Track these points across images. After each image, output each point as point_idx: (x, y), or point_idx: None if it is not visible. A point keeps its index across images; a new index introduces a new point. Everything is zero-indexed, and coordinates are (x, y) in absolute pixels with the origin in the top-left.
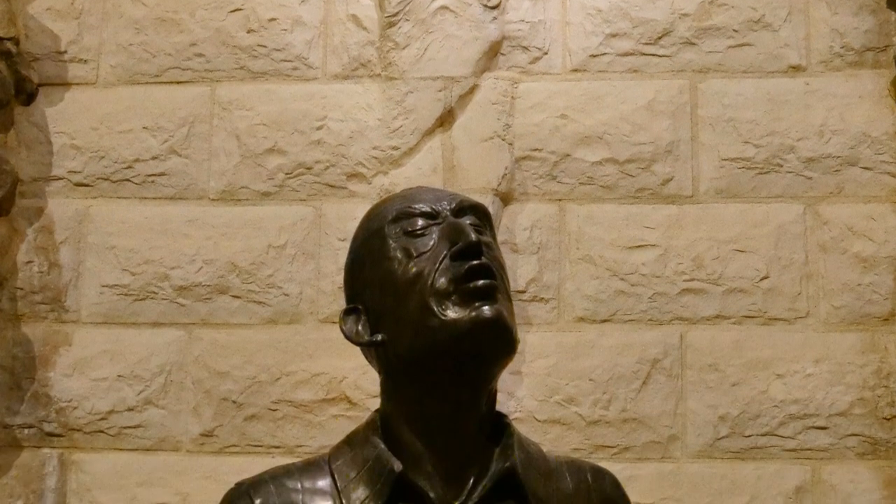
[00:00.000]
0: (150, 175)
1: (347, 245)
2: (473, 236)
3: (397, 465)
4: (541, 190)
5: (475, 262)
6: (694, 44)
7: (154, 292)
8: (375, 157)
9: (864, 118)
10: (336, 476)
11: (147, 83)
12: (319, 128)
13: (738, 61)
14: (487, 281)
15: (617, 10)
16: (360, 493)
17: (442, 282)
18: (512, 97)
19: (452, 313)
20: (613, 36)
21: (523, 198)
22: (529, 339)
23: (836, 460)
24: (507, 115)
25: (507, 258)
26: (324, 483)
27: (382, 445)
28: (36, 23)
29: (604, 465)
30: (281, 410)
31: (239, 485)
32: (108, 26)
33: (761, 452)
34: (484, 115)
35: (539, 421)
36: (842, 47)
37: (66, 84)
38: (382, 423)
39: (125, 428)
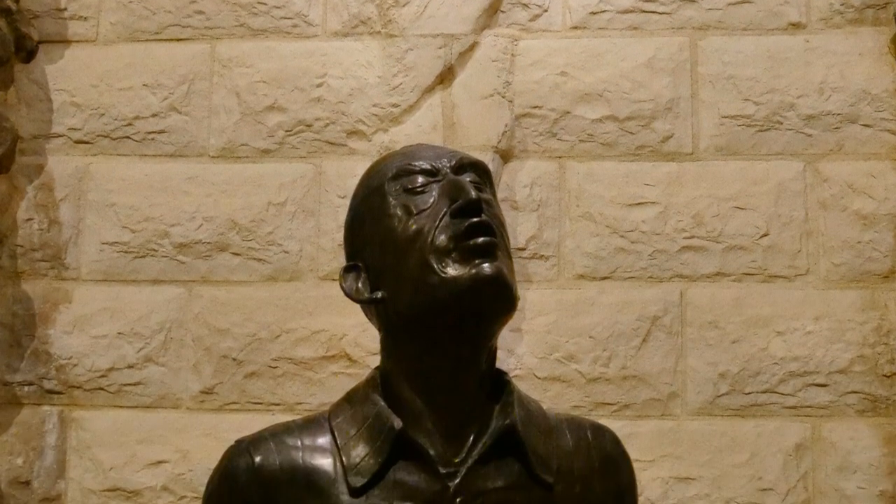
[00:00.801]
0: (150, 132)
1: (347, 202)
2: (473, 193)
3: (397, 423)
4: (541, 147)
5: (475, 219)
6: (694, 1)
7: (154, 249)
8: (375, 115)
9: (864, 75)
10: (336, 433)
11: (147, 40)
12: (319, 85)
13: (738, 18)
14: (487, 238)
15: None
16: (360, 450)
17: (442, 239)
18: (512, 54)
19: (452, 270)
20: None
21: (523, 155)
22: (529, 297)
23: (836, 417)
24: (507, 73)
25: (507, 215)
26: (324, 440)
27: (382, 403)
28: None
29: (604, 422)
30: (281, 368)
31: (239, 442)
32: None
33: (761, 410)
34: (484, 73)
35: (539, 378)
36: (842, 4)
37: (66, 41)
38: (382, 381)
39: (125, 385)
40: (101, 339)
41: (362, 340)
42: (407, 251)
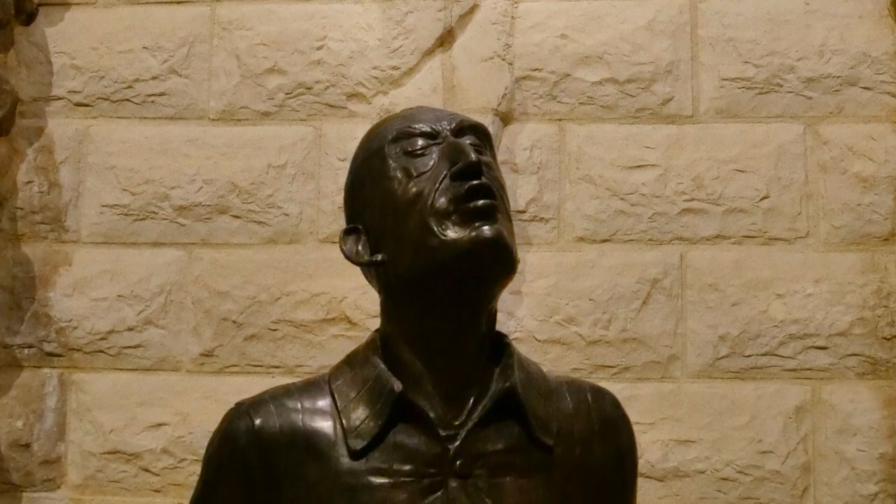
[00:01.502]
0: (150, 95)
1: (347, 165)
2: (473, 156)
3: (397, 385)
4: (541, 110)
5: (475, 181)
6: None
7: (154, 212)
8: (375, 77)
9: (864, 38)
10: (336, 396)
11: (147, 3)
12: (319, 48)
13: None
14: (487, 201)
15: None
16: (359, 412)
17: (442, 201)
18: (512, 17)
19: (452, 233)
20: None
21: (523, 118)
22: (529, 259)
23: (836, 380)
24: (507, 35)
25: (507, 178)
26: (324, 403)
27: (382, 365)
28: None
29: (604, 384)
30: (281, 330)
31: (239, 405)
32: None
33: (761, 372)
34: (484, 35)
35: (539, 341)
36: None
37: (65, 4)
38: (382, 343)
39: (125, 348)
40: (101, 302)
41: (362, 303)
42: (407, 214)
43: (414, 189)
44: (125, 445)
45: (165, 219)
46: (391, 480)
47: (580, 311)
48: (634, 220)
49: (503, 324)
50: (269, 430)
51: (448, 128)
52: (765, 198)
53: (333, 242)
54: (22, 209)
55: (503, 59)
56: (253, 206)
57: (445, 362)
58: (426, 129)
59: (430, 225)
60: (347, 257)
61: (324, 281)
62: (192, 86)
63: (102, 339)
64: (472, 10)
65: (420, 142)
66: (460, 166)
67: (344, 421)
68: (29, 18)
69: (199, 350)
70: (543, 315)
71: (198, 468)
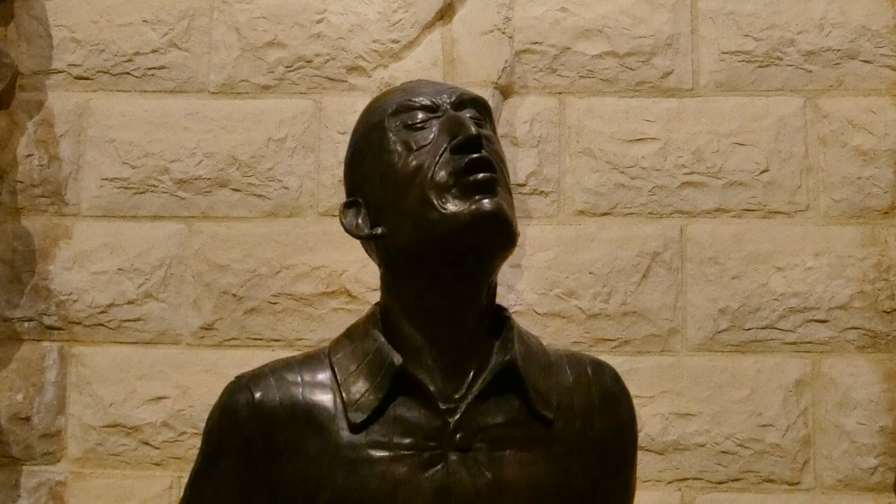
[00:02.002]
0: (150, 68)
1: (347, 138)
2: (473, 129)
3: (397, 359)
4: (541, 83)
5: (475, 155)
6: None
7: (154, 185)
8: (375, 51)
9: (864, 11)
10: (336, 369)
11: None
12: (319, 21)
13: None
14: (487, 174)
15: None
16: (360, 385)
17: (442, 175)
18: None
19: (452, 206)
20: None
21: (523, 91)
22: (529, 233)
23: (836, 353)
24: (507, 8)
25: (507, 151)
26: (324, 376)
27: (382, 339)
28: None
29: (604, 358)
30: (281, 303)
31: (239, 378)
32: None
33: (761, 346)
34: (484, 8)
35: (539, 314)
36: None
37: None
38: (382, 317)
39: (125, 321)
40: (101, 275)
41: (362, 276)
42: (407, 187)
43: (414, 162)
44: (125, 419)
45: (165, 192)
46: (391, 453)
47: (580, 285)
48: (634, 194)
49: (503, 297)
50: (269, 404)
51: (448, 101)
52: (765, 171)
53: (333, 216)
54: (22, 182)
55: (503, 33)
56: (253, 180)
57: (445, 335)
58: (426, 102)
59: (430, 198)
60: (347, 231)
61: (324, 254)
62: (192, 59)
63: (102, 312)
64: None
65: (420, 115)
66: (460, 139)
67: (344, 394)
68: None
69: (199, 323)
70: (543, 288)
71: (198, 441)
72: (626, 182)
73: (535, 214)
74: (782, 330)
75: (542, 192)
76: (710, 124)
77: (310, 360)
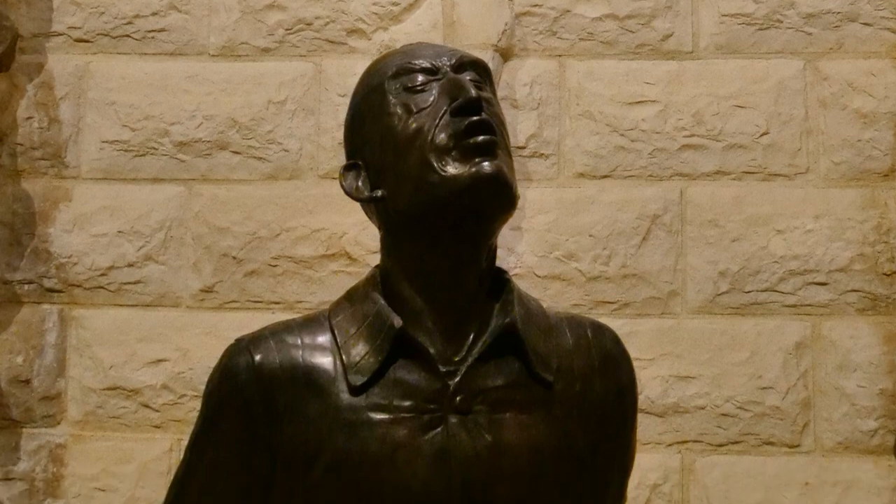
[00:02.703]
0: (150, 31)
1: (347, 101)
2: (473, 92)
3: (397, 321)
4: (541, 46)
5: (475, 117)
6: None
7: (154, 148)
8: (375, 13)
9: None
10: (336, 332)
11: None
12: None
13: None
14: (487, 137)
15: None
16: (359, 348)
17: (442, 137)
18: None
19: (452, 169)
20: None
21: (523, 53)
22: (529, 195)
23: (836, 316)
24: None
25: (507, 114)
26: (324, 339)
27: (382, 301)
28: None
29: (604, 320)
30: (281, 266)
31: (239, 341)
32: None
33: (761, 308)
34: None
35: (539, 277)
36: None
37: None
38: (382, 279)
39: (125, 284)
40: (101, 238)
41: (362, 239)
42: (407, 150)
43: (414, 125)
44: (125, 381)
45: (165, 155)
46: (391, 416)
47: (580, 247)
48: (634, 156)
49: (503, 260)
50: (268, 366)
51: (448, 64)
52: (765, 134)
53: (333, 178)
54: (22, 145)
55: None
56: (253, 142)
57: (445, 298)
58: (426, 64)
59: (430, 161)
60: (347, 193)
61: (324, 217)
62: (192, 21)
63: (102, 274)
64: None
65: (420, 78)
66: (460, 102)
67: (344, 357)
68: None
69: (199, 286)
70: (543, 251)
71: (198, 404)
72: (626, 145)
73: (535, 177)
74: (782, 292)
75: (542, 154)
76: (710, 87)
77: (310, 323)
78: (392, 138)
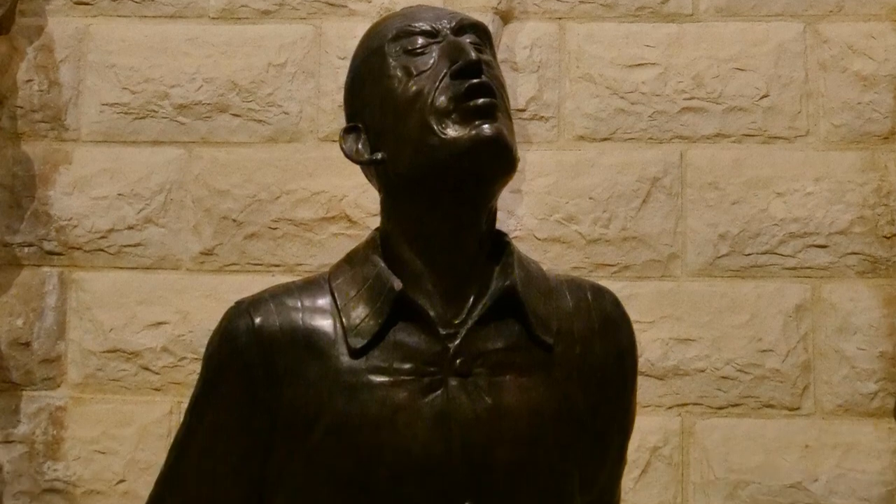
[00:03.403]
0: None
1: (347, 64)
2: (473, 55)
3: (397, 284)
4: (540, 8)
5: (475, 80)
6: None
7: (154, 111)
8: None
9: None
10: (336, 294)
11: None
12: None
13: None
14: (487, 99)
15: None
16: (360, 311)
17: (442, 100)
18: None
19: (452, 131)
20: None
21: (523, 16)
22: (529, 158)
23: (836, 279)
24: None
25: (507, 77)
26: (324, 301)
27: (382, 264)
28: None
29: (604, 283)
30: (281, 229)
31: (239, 303)
32: None
33: (761, 271)
34: None
35: (539, 239)
36: None
37: None
38: (382, 242)
39: (125, 246)
40: (101, 201)
41: (362, 201)
42: (407, 112)
43: (414, 87)
44: (125, 344)
45: (165, 117)
46: (391, 379)
47: (580, 210)
48: (634, 119)
49: (503, 222)
50: (269, 329)
51: (448, 26)
52: (765, 96)
53: (333, 141)
54: (22, 108)
55: None
56: (253, 105)
57: (445, 261)
58: (426, 27)
59: (430, 123)
60: (347, 156)
61: (324, 179)
62: None
63: (102, 237)
64: None
65: (420, 40)
66: (460, 65)
67: (344, 319)
68: None
69: (199, 248)
70: (543, 214)
71: (198, 367)
72: (626, 107)
73: (535, 140)
74: (782, 255)
75: (542, 117)
76: (710, 49)
77: (310, 286)
78: (392, 101)
